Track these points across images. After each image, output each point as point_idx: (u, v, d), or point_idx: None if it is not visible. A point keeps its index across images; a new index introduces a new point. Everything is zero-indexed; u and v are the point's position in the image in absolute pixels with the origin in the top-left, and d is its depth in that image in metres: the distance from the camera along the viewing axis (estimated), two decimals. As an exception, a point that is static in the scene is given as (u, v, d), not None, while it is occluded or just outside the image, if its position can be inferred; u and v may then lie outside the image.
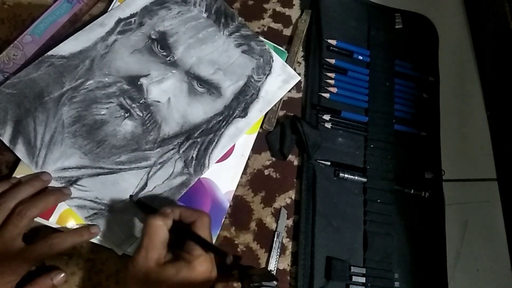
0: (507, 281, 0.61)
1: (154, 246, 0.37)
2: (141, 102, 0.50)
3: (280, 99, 0.56)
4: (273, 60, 0.56)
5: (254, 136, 0.54)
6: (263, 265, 0.51)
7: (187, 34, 0.54)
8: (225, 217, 0.51)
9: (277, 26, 0.61)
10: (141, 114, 0.49)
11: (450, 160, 0.63)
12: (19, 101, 0.46)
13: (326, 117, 0.57)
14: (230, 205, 0.51)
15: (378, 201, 0.56)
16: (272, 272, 0.50)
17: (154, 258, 0.37)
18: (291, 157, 0.56)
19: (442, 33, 0.69)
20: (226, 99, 0.53)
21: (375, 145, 0.58)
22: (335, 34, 0.61)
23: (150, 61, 0.52)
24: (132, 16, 0.53)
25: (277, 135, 0.54)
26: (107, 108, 0.49)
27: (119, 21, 0.52)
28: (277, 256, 0.51)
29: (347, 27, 0.63)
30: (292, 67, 0.57)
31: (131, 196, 0.47)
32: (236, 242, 0.51)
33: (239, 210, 0.52)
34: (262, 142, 0.55)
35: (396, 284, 0.53)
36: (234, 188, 0.52)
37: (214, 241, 0.49)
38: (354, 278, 0.51)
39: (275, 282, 0.43)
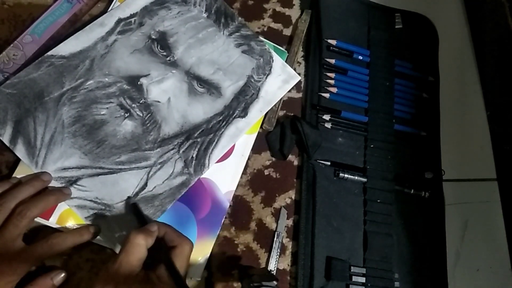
0: (507, 281, 0.61)
1: (128, 263, 0.37)
2: (141, 102, 0.50)
3: (280, 99, 0.56)
4: (273, 60, 0.56)
5: (254, 136, 0.54)
6: (263, 265, 0.51)
7: (187, 34, 0.54)
8: (225, 217, 0.51)
9: (277, 26, 0.61)
10: (141, 114, 0.49)
11: (450, 160, 0.63)
12: (19, 101, 0.46)
13: (326, 117, 0.57)
14: (230, 205, 0.51)
15: (378, 201, 0.56)
16: (272, 272, 0.50)
17: (126, 274, 0.37)
18: (291, 157, 0.56)
19: (442, 33, 0.69)
20: (226, 99, 0.53)
21: (375, 145, 0.58)
22: (335, 34, 0.61)
23: (150, 61, 0.52)
24: (132, 16, 0.53)
25: (277, 135, 0.54)
26: (107, 108, 0.49)
27: (119, 21, 0.52)
28: (277, 256, 0.51)
29: (347, 27, 0.63)
30: (292, 67, 0.57)
31: (129, 197, 0.47)
32: (236, 242, 0.51)
33: (239, 210, 0.52)
34: (262, 142, 0.55)
35: (396, 284, 0.53)
36: (234, 188, 0.52)
37: (214, 241, 0.49)
38: (354, 278, 0.51)
39: (275, 282, 0.43)
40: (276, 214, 0.53)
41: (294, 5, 0.63)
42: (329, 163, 0.56)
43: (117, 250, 0.46)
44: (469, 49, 0.72)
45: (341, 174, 0.55)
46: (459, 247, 0.60)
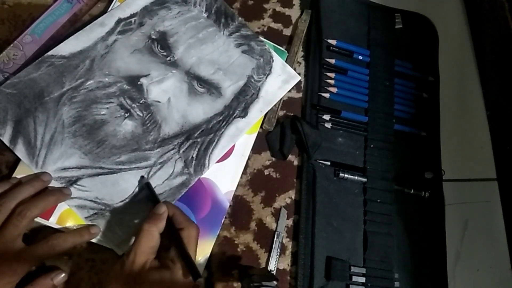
0: (507, 281, 0.61)
1: (143, 252, 0.39)
2: (141, 102, 0.50)
3: (280, 99, 0.56)
4: (273, 60, 0.56)
5: (254, 136, 0.54)
6: (263, 265, 0.51)
7: (187, 34, 0.54)
8: (225, 217, 0.51)
9: (277, 26, 0.61)
10: (141, 114, 0.49)
11: (450, 160, 0.63)
12: (19, 101, 0.46)
13: (326, 117, 0.57)
14: (230, 205, 0.51)
15: (378, 201, 0.56)
16: (272, 272, 0.50)
17: (141, 263, 0.39)
18: (291, 157, 0.56)
19: (442, 33, 0.69)
20: (226, 99, 0.53)
21: (375, 145, 0.58)
22: (335, 34, 0.61)
23: (150, 61, 0.52)
24: (132, 16, 0.53)
25: (277, 135, 0.54)
26: (107, 108, 0.49)
27: (119, 21, 0.52)
28: (277, 256, 0.51)
29: (347, 27, 0.63)
30: (292, 67, 0.57)
31: (142, 177, 0.47)
32: (236, 242, 0.51)
33: (239, 210, 0.52)
34: (262, 142, 0.55)
35: (396, 284, 0.53)
36: (234, 188, 0.52)
37: (214, 241, 0.49)
38: (354, 278, 0.51)
39: (275, 282, 0.43)
40: (276, 214, 0.53)
41: (294, 5, 0.63)
42: (329, 163, 0.56)
43: (117, 250, 0.46)
44: (469, 49, 0.72)
45: (341, 174, 0.55)
46: (459, 247, 0.60)
